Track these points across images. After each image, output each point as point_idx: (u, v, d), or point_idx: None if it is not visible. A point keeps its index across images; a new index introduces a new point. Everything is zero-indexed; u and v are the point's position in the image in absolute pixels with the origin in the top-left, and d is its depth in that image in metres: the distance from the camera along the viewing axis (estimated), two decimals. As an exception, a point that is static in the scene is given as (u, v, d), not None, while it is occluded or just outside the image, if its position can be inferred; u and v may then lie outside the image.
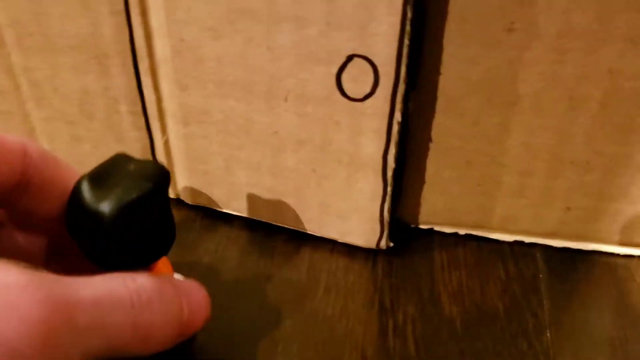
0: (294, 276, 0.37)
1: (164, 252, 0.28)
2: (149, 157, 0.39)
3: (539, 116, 0.33)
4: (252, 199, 0.38)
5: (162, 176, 0.26)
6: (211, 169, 0.38)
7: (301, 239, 0.39)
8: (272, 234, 0.39)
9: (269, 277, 0.37)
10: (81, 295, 0.20)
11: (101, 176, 0.26)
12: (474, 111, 0.33)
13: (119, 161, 0.27)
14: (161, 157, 0.39)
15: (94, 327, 0.20)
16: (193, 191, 0.40)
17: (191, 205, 0.41)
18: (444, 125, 0.34)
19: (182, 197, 0.41)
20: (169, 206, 0.28)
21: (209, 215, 0.41)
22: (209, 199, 0.40)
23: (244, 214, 0.40)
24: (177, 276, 0.33)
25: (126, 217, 0.25)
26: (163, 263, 0.30)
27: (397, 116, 0.32)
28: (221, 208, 0.40)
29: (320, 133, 0.34)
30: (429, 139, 0.35)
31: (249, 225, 0.40)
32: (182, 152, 0.38)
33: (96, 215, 0.25)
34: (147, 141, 0.38)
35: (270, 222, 0.39)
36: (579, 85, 0.32)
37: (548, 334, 0.34)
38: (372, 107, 0.32)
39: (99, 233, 0.25)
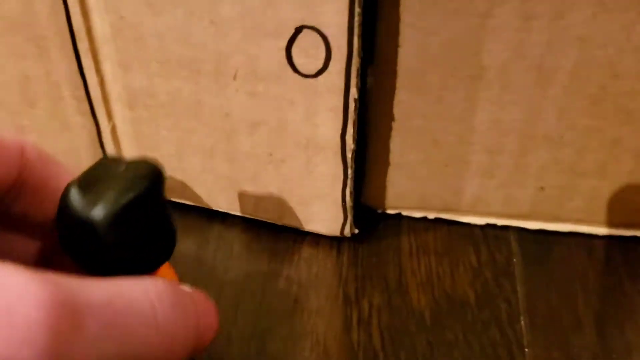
0: (254, 268, 0.35)
1: (165, 257, 0.26)
2: (97, 146, 0.37)
3: (506, 90, 0.31)
4: (207, 187, 0.36)
5: (156, 174, 0.24)
6: (162, 156, 0.35)
7: (261, 228, 0.37)
8: (230, 224, 0.37)
9: (226, 270, 0.35)
10: (92, 297, 0.17)
11: (90, 181, 0.23)
12: (437, 86, 0.31)
13: (108, 163, 0.24)
14: (109, 145, 0.36)
15: (108, 334, 0.17)
16: (146, 181, 0.38)
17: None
18: (407, 103, 0.32)
19: (134, 188, 0.38)
20: (167, 206, 0.25)
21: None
22: (163, 188, 0.37)
23: (200, 204, 0.37)
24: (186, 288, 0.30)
25: (122, 221, 0.22)
26: (166, 269, 0.27)
27: (354, 92, 0.29)
28: (176, 197, 0.37)
29: (274, 114, 0.32)
30: (392, 118, 0.33)
31: (205, 214, 0.38)
32: (131, 138, 0.36)
33: (89, 222, 0.22)
34: (93, 127, 0.36)
35: (227, 211, 0.37)
36: (547, 54, 0.30)
37: (522, 322, 0.32)
38: (326, 83, 0.29)
39: (93, 242, 0.23)
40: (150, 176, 0.23)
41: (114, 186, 0.23)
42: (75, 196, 0.22)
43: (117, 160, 0.24)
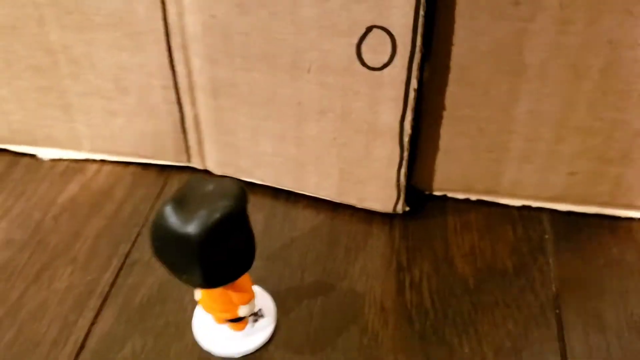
0: (315, 240, 0.40)
1: (247, 267, 0.30)
2: (180, 131, 0.42)
3: (544, 84, 0.35)
4: (275, 168, 0.41)
5: (241, 194, 0.28)
6: (238, 140, 0.40)
7: (321, 205, 0.42)
8: (294, 201, 0.42)
9: (292, 241, 0.40)
10: None
11: (182, 200, 0.27)
12: (484, 80, 0.36)
13: (196, 183, 0.28)
14: (191, 130, 0.41)
15: None
16: (220, 162, 0.42)
17: (218, 175, 0.44)
18: (456, 95, 0.37)
19: (209, 169, 0.43)
20: (249, 222, 0.29)
21: (235, 185, 0.43)
22: (236, 168, 0.42)
23: (268, 183, 0.42)
24: (256, 288, 0.35)
25: (212, 237, 0.27)
26: (245, 277, 0.31)
27: (414, 84, 0.34)
28: (246, 177, 0.42)
29: (340, 103, 0.36)
30: (443, 108, 0.37)
31: (272, 192, 0.42)
32: (211, 124, 0.40)
33: (184, 238, 0.26)
34: (177, 114, 0.41)
35: (292, 189, 0.42)
36: (582, 54, 0.34)
37: (553, 287, 0.37)
38: (389, 75, 0.34)
39: (187, 254, 0.27)
40: (236, 196, 0.28)
41: (205, 205, 0.27)
42: (170, 213, 0.27)
43: (205, 180, 0.28)
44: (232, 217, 0.27)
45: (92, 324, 0.35)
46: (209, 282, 0.29)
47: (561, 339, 0.34)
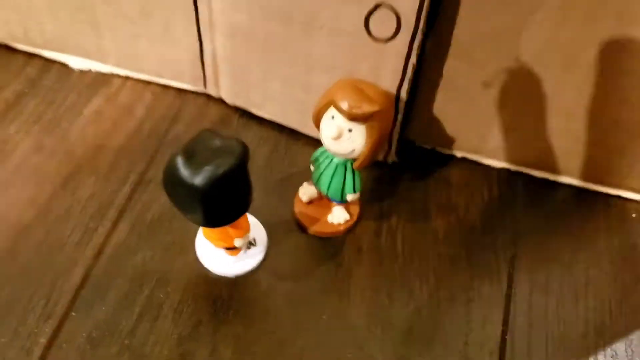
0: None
1: (245, 210, 0.35)
2: (198, 61, 0.45)
3: (536, 70, 0.38)
4: (283, 106, 0.45)
5: (243, 152, 0.32)
6: (250, 77, 0.44)
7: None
8: (296, 138, 0.46)
9: (290, 176, 0.44)
10: None
11: (192, 152, 0.31)
12: (481, 58, 0.39)
13: (206, 137, 0.32)
14: (208, 63, 0.45)
15: None
16: (233, 94, 0.46)
17: (230, 105, 0.47)
18: (454, 68, 0.40)
19: (223, 98, 0.47)
20: (248, 174, 0.33)
21: (245, 116, 0.47)
22: (247, 101, 0.46)
23: (275, 118, 0.46)
24: (251, 219, 0.40)
25: (215, 188, 0.31)
26: (244, 217, 0.37)
27: (413, 59, 0.37)
28: (256, 110, 0.46)
29: (348, 62, 0.39)
30: (440, 77, 0.40)
31: (278, 128, 0.47)
32: (227, 60, 0.44)
33: (191, 187, 0.31)
34: (197, 47, 0.44)
35: (296, 128, 0.46)
36: (573, 48, 0.37)
37: (513, 249, 0.41)
38: (392, 49, 0.37)
39: (193, 200, 0.32)
40: (239, 154, 0.32)
41: (212, 160, 0.31)
42: (181, 164, 0.31)
43: (214, 136, 0.32)
44: (233, 172, 0.32)
45: (110, 233, 0.40)
46: (210, 223, 0.34)
47: (508, 296, 0.39)
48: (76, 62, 0.49)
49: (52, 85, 0.48)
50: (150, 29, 0.44)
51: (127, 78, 0.49)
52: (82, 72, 0.49)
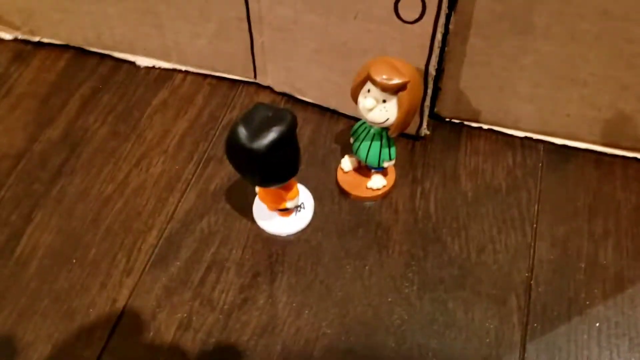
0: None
1: (294, 173, 0.40)
2: (249, 53, 0.51)
3: (548, 43, 0.43)
4: (324, 91, 0.50)
5: (293, 120, 0.37)
6: (295, 65, 0.50)
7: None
8: (336, 119, 0.52)
9: (332, 151, 0.50)
10: None
11: (249, 121, 0.37)
12: (499, 35, 0.44)
13: (261, 108, 0.38)
14: (258, 54, 0.51)
15: None
16: (280, 82, 0.52)
17: (277, 92, 0.53)
18: (476, 46, 0.45)
19: (271, 86, 0.53)
20: (297, 140, 0.39)
21: (291, 101, 0.53)
22: (292, 87, 0.52)
23: (317, 102, 0.52)
24: (300, 186, 0.45)
25: (270, 151, 0.37)
26: (294, 182, 0.43)
27: (438, 37, 0.42)
28: (300, 96, 0.52)
29: (379, 45, 0.45)
30: (464, 55, 0.46)
31: (320, 110, 0.52)
32: (274, 51, 0.50)
33: (250, 151, 0.36)
34: (248, 41, 0.50)
35: (336, 109, 0.52)
36: (580, 21, 0.41)
37: (536, 207, 0.46)
38: (419, 28, 0.42)
39: (251, 162, 0.37)
40: (289, 121, 0.37)
41: (266, 127, 0.37)
42: (241, 130, 0.37)
43: (267, 107, 0.38)
44: (284, 137, 0.37)
45: (179, 201, 0.47)
46: (266, 183, 0.40)
47: (532, 246, 0.44)
48: (143, 61, 0.56)
49: (122, 81, 0.55)
50: (207, 29, 0.51)
51: (187, 72, 0.55)
52: (148, 69, 0.56)
